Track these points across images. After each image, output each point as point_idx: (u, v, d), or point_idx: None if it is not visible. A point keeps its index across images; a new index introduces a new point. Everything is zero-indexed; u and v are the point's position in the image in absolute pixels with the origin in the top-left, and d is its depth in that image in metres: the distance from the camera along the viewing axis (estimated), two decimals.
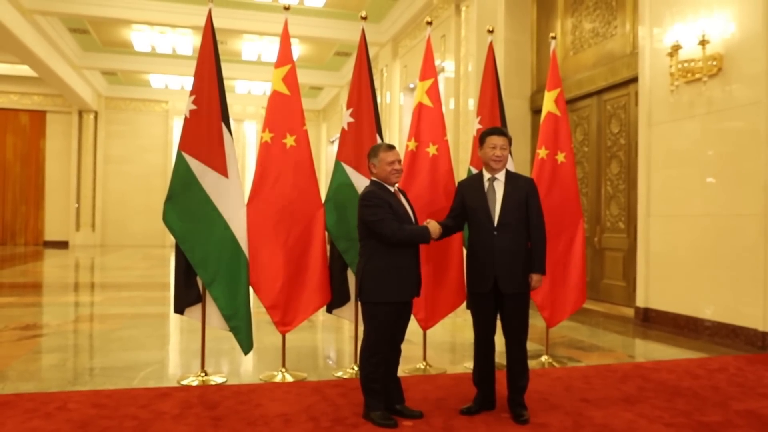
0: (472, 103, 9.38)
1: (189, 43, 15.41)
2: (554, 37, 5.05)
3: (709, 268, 5.61)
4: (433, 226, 3.31)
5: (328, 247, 4.23)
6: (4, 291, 9.01)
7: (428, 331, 4.45)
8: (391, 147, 3.38)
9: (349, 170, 4.26)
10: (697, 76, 5.65)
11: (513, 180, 3.40)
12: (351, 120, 4.34)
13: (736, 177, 5.37)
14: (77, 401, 3.41)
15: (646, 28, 6.38)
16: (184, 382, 3.92)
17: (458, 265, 4.36)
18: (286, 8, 4.39)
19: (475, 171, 4.40)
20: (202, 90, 4.02)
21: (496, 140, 3.37)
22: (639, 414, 3.30)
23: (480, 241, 3.32)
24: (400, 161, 3.38)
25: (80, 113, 20.37)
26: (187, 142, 3.98)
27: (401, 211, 3.29)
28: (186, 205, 3.96)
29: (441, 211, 4.10)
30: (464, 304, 4.13)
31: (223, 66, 4.25)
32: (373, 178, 3.39)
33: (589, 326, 6.24)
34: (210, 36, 4.09)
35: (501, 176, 3.38)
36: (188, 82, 15.92)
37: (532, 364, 3.93)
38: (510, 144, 3.45)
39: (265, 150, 4.14)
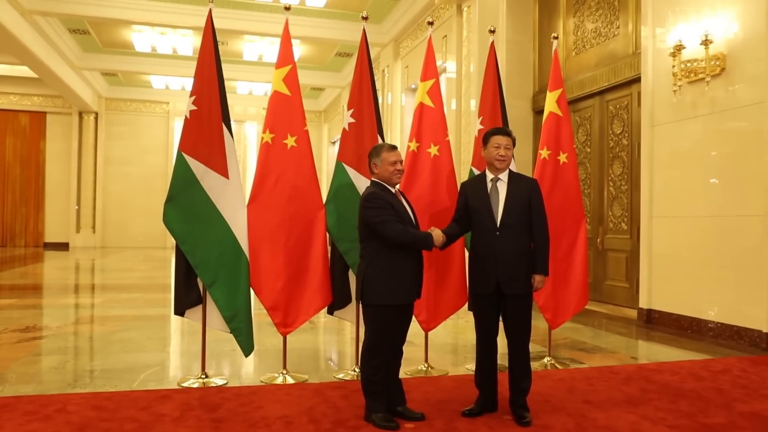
0: (473, 104, 9.36)
1: (189, 43, 15.42)
2: (556, 37, 5.04)
3: (712, 269, 5.59)
4: (437, 235, 3.28)
5: (329, 248, 4.21)
6: (3, 293, 9.00)
7: (430, 333, 4.43)
8: (394, 147, 3.36)
9: (350, 171, 4.24)
10: (700, 76, 5.63)
11: (516, 180, 3.38)
12: (352, 120, 4.32)
13: (739, 178, 5.35)
14: (77, 403, 3.39)
15: (648, 28, 6.36)
16: (185, 384, 3.90)
17: (460, 266, 4.33)
18: (287, 9, 4.37)
19: (477, 172, 4.38)
20: (202, 90, 4.00)
21: (500, 140, 3.35)
22: (642, 416, 3.28)
23: (482, 242, 3.30)
24: (402, 162, 3.37)
25: (80, 114, 20.38)
26: (187, 143, 3.96)
27: (402, 212, 3.27)
28: (186, 206, 3.94)
29: (442, 212, 4.09)
30: (466, 306, 4.12)
31: (224, 67, 4.23)
32: (374, 179, 3.36)
33: (592, 328, 6.22)
34: (210, 36, 4.07)
35: (504, 177, 3.36)
36: (189, 83, 15.86)
37: (534, 365, 3.93)
38: (514, 144, 3.43)
39: (265, 151, 4.12)
